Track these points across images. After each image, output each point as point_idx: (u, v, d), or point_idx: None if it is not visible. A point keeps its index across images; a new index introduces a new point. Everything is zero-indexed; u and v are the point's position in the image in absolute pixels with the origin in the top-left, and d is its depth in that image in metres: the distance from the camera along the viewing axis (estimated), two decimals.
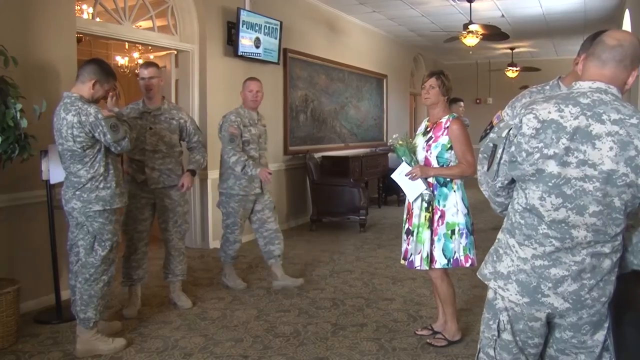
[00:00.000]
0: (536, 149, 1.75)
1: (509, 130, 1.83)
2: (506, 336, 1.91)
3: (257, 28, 6.69)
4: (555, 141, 1.72)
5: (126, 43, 9.02)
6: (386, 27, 10.43)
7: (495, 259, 1.94)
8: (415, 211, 3.55)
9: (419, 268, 3.52)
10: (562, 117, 1.73)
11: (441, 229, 3.46)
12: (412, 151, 3.55)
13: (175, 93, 6.30)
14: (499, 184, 1.93)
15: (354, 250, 6.40)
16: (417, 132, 3.73)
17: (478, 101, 14.90)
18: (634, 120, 1.69)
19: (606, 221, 1.73)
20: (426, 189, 3.46)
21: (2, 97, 3.43)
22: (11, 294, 3.58)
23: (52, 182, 3.96)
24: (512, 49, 12.63)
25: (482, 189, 2.05)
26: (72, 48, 4.44)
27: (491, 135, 2.20)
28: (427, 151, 3.52)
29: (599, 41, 1.81)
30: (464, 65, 14.57)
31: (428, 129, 3.61)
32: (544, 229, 1.78)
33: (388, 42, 11.29)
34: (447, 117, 3.52)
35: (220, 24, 6.39)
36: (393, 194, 9.91)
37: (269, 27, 6.91)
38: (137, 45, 8.83)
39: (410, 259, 3.54)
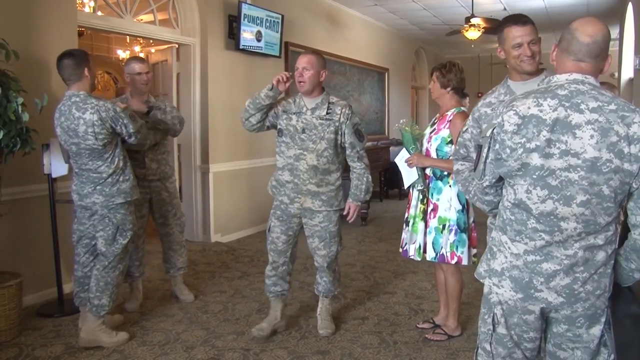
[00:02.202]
0: (519, 144, 1.76)
1: (493, 129, 1.84)
2: (501, 330, 1.92)
3: (258, 21, 6.68)
4: (537, 134, 1.73)
5: (127, 37, 9.01)
6: (388, 20, 10.40)
7: (489, 257, 1.95)
8: (413, 202, 3.62)
9: (412, 257, 3.57)
10: (541, 111, 1.74)
11: (433, 222, 3.50)
12: (417, 138, 3.58)
13: (177, 87, 6.30)
14: (486, 183, 1.95)
15: (356, 243, 6.41)
16: (419, 129, 3.75)
17: (480, 95, 14.87)
18: (612, 107, 1.71)
19: (595, 210, 1.74)
20: (418, 179, 3.51)
21: (3, 91, 3.43)
22: (14, 287, 3.59)
23: (53, 175, 3.97)
24: None
25: (460, 189, 2.08)
26: (73, 42, 4.44)
27: (464, 136, 2.32)
28: (428, 142, 3.55)
29: (571, 38, 1.80)
30: (466, 58, 14.49)
31: (435, 121, 3.62)
32: (533, 223, 1.79)
33: (389, 35, 11.26)
34: (452, 110, 3.51)
35: (222, 17, 6.38)
36: (395, 188, 9.92)
37: (270, 20, 6.89)
38: (138, 38, 8.83)
39: (405, 248, 3.62)
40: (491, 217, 2.42)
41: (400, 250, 3.67)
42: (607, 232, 1.78)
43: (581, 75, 1.78)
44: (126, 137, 3.49)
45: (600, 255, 1.79)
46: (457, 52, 14.14)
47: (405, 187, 3.65)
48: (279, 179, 3.56)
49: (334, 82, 9.09)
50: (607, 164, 1.69)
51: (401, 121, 3.69)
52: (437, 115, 3.67)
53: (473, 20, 8.30)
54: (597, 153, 1.69)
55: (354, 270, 5.25)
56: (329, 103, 3.49)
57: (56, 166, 3.92)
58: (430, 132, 3.56)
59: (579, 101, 1.73)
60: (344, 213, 3.58)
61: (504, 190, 1.92)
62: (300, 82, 3.42)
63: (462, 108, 3.54)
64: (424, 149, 3.57)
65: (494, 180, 1.93)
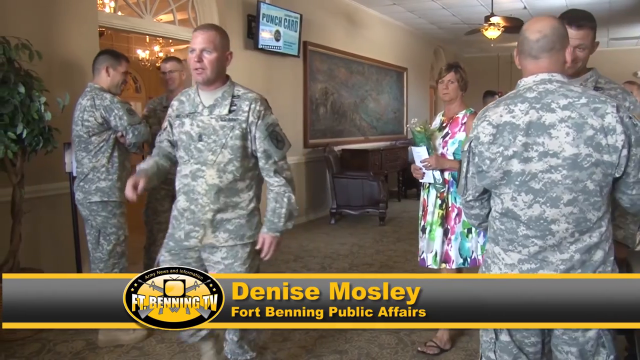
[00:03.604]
0: (497, 154, 1.76)
1: (470, 143, 1.85)
2: (504, 337, 1.89)
3: (277, 21, 6.70)
4: (512, 140, 1.74)
5: (147, 36, 9.07)
6: (406, 19, 10.37)
7: (484, 269, 1.94)
8: (430, 208, 3.47)
9: (430, 266, 3.45)
10: (513, 117, 1.75)
11: (458, 227, 3.38)
12: (430, 137, 3.41)
13: None
14: (469, 197, 1.94)
15: (373, 243, 6.40)
16: (432, 127, 3.58)
17: (500, 94, 14.76)
18: (583, 100, 1.71)
19: (584, 207, 1.73)
20: (435, 182, 3.38)
21: (27, 91, 3.49)
22: None
23: (74, 174, 4.01)
24: None
25: None
26: (94, 42, 4.49)
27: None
28: (443, 147, 3.41)
29: (523, 38, 1.83)
30: (485, 58, 14.43)
31: (444, 125, 3.48)
32: (523, 230, 1.78)
33: (408, 34, 11.23)
34: (464, 111, 3.41)
35: (241, 17, 6.41)
36: (413, 188, 9.88)
37: (289, 20, 6.91)
38: (157, 38, 8.89)
39: (422, 257, 3.48)
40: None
41: (419, 259, 3.55)
42: (600, 229, 1.76)
43: (547, 74, 1.79)
44: (123, 133, 3.45)
45: (598, 255, 1.77)
46: (476, 51, 14.05)
47: (423, 181, 3.48)
48: (177, 207, 2.63)
49: (352, 82, 9.09)
50: (587, 159, 1.69)
51: (413, 121, 3.49)
52: (442, 117, 3.54)
53: (493, 19, 8.25)
54: (576, 149, 1.69)
55: (371, 270, 5.24)
56: (233, 97, 2.55)
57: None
58: (445, 137, 3.43)
59: (549, 100, 1.73)
60: (258, 247, 2.60)
61: (491, 201, 1.90)
62: (198, 69, 2.46)
63: (472, 109, 3.42)
64: (438, 153, 3.43)
65: (477, 193, 1.91)
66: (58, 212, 4.23)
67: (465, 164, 1.88)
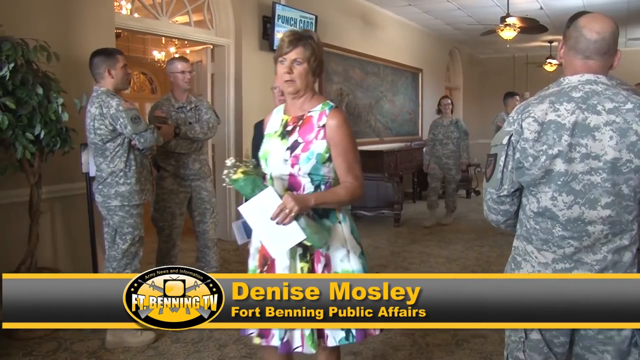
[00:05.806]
0: (541, 152, 1.74)
1: (510, 137, 1.81)
2: (535, 336, 1.86)
3: (292, 22, 6.71)
4: (557, 140, 1.72)
5: (163, 38, 9.14)
6: (421, 20, 10.34)
7: (513, 267, 1.92)
8: (282, 261, 2.14)
9: (300, 351, 2.15)
10: (559, 116, 1.72)
11: None
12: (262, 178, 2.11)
13: (211, 87, 6.37)
14: (504, 192, 1.88)
15: (388, 244, 6.38)
16: (267, 133, 2.28)
17: (518, 95, 14.65)
18: (629, 106, 1.70)
19: (619, 210, 1.72)
20: (312, 235, 2.03)
21: (45, 92, 3.53)
22: None
23: (91, 174, 4.04)
24: (550, 42, 12.36)
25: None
26: (111, 43, 4.52)
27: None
28: (292, 166, 2.13)
29: (578, 35, 1.77)
30: (501, 58, 14.35)
31: (288, 128, 2.20)
32: (559, 231, 1.76)
33: (423, 35, 11.19)
34: (319, 107, 2.18)
35: (256, 18, 6.43)
36: (427, 189, 9.84)
37: (304, 21, 6.91)
38: (173, 40, 8.95)
39: (285, 339, 2.13)
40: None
41: (260, 341, 2.17)
42: (631, 232, 1.76)
43: (593, 75, 1.77)
44: (130, 139, 3.47)
45: (627, 257, 1.77)
46: (492, 52, 13.97)
47: (286, 250, 2.09)
48: None
49: (368, 83, 9.09)
50: (628, 164, 1.69)
51: (227, 163, 2.02)
52: (284, 116, 2.24)
53: (508, 20, 8.19)
54: (618, 154, 1.68)
55: (386, 271, 5.23)
56: None
57: (93, 165, 3.99)
58: (294, 149, 2.14)
59: (595, 102, 1.71)
60: None
61: (524, 199, 1.88)
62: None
63: (331, 103, 2.20)
64: (283, 173, 2.16)
65: (512, 189, 1.87)
66: (75, 212, 4.27)
67: (502, 158, 1.84)
